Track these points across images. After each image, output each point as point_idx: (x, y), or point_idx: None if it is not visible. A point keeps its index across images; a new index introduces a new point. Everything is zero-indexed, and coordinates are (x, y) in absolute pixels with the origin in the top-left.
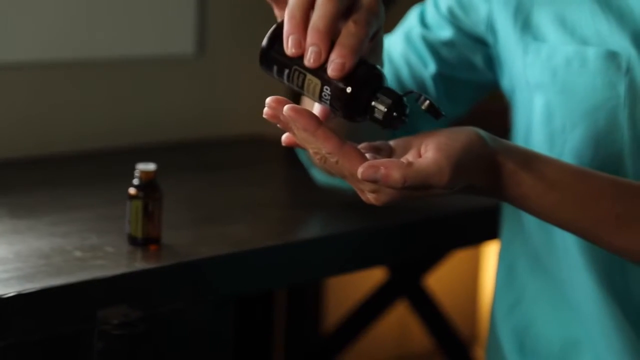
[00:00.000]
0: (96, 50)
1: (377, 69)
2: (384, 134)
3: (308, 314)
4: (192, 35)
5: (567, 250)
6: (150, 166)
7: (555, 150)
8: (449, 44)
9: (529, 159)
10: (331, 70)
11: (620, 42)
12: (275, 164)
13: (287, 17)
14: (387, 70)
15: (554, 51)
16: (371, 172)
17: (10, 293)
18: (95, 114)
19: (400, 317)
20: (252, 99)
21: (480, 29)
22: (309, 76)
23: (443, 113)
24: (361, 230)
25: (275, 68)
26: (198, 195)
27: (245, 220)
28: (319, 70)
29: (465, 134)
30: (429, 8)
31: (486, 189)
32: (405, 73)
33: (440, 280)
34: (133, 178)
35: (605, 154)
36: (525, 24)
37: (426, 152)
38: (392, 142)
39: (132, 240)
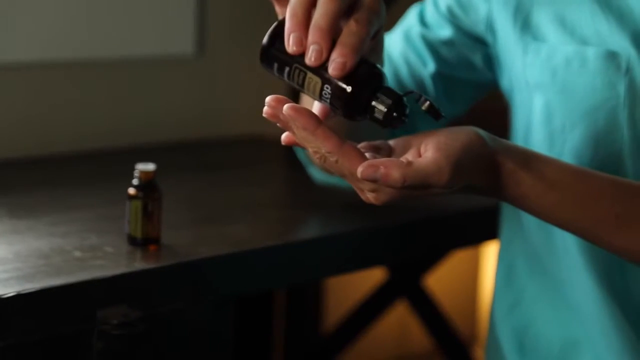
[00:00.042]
0: (96, 50)
1: (377, 68)
2: (384, 134)
3: (308, 314)
4: (192, 35)
5: (567, 250)
6: (150, 166)
7: (555, 150)
8: (448, 43)
9: (528, 159)
10: (332, 69)
11: (620, 42)
12: (275, 164)
13: (289, 14)
14: (386, 69)
15: (553, 51)
16: (371, 172)
17: (9, 293)
18: (95, 114)
19: (400, 317)
20: (251, 99)
21: (480, 28)
22: (309, 74)
23: (443, 114)
24: (361, 230)
25: (275, 66)
26: (198, 195)
27: (245, 220)
28: (320, 69)
29: (464, 133)
30: (429, 7)
31: (486, 188)
32: (404, 72)
33: (440, 281)
34: (133, 178)
35: (605, 153)
36: (525, 24)
37: (426, 152)
38: (391, 142)
39: (132, 241)
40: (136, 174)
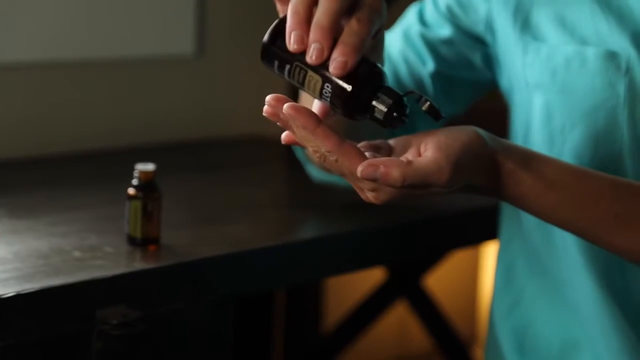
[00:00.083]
0: (96, 50)
1: (378, 67)
2: (383, 133)
3: (308, 314)
4: (192, 36)
5: (567, 249)
6: (149, 166)
7: (555, 150)
8: (447, 42)
9: (528, 159)
10: (333, 68)
11: (620, 42)
12: (275, 164)
13: (291, 12)
14: (385, 68)
15: (553, 51)
16: (370, 171)
17: (9, 293)
18: (95, 114)
19: (399, 317)
20: (251, 99)
21: (479, 28)
22: (310, 73)
23: (443, 114)
24: (361, 230)
25: (276, 63)
26: (198, 196)
27: (245, 220)
28: (321, 68)
29: (465, 133)
30: (428, 6)
31: (485, 188)
32: (403, 71)
33: (439, 281)
34: (132, 178)
35: (604, 153)
36: (524, 24)
37: (426, 151)
38: (391, 141)
39: (131, 241)
40: (136, 174)
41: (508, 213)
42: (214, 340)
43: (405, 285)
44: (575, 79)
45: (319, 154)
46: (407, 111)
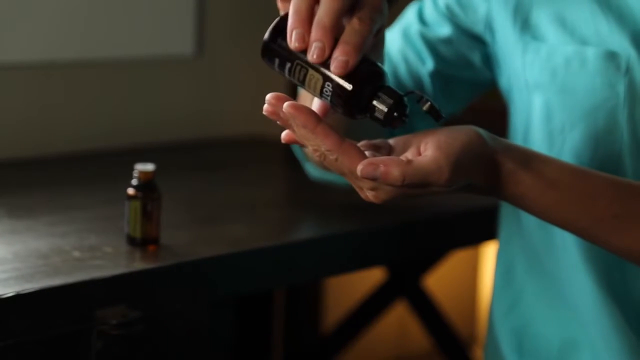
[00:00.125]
0: (95, 51)
1: (379, 67)
2: (382, 133)
3: (307, 314)
4: (191, 36)
5: (566, 249)
6: (149, 166)
7: (555, 149)
8: (446, 41)
9: (528, 158)
10: (334, 67)
11: (620, 43)
12: (274, 164)
13: (292, 10)
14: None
15: (553, 51)
16: (370, 170)
17: (8, 293)
18: (94, 114)
19: (399, 317)
20: (251, 99)
21: (479, 27)
22: (310, 71)
23: (443, 115)
24: (361, 230)
25: (276, 61)
26: (197, 196)
27: (244, 220)
28: (322, 66)
29: (464, 132)
30: (428, 5)
31: (485, 187)
32: (402, 69)
33: (439, 281)
34: (132, 178)
35: (604, 153)
36: (524, 24)
37: (425, 151)
38: (391, 140)
39: (131, 241)
40: (135, 174)
41: (507, 213)
42: (214, 340)
43: (405, 285)
44: (575, 79)
45: (319, 152)
46: (408, 111)
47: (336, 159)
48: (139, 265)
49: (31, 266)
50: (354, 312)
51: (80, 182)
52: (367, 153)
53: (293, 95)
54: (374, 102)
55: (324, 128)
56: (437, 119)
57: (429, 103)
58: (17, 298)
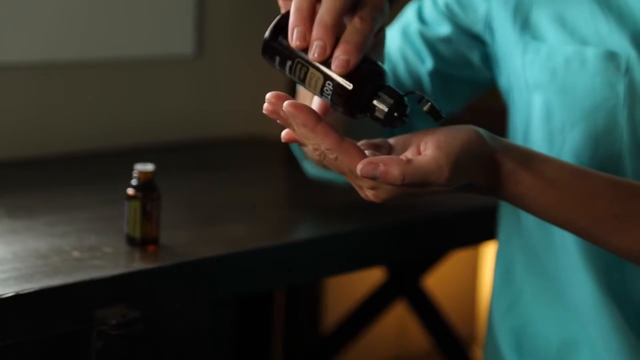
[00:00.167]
0: (95, 51)
1: (379, 66)
2: (382, 132)
3: (307, 314)
4: (191, 36)
5: (566, 248)
6: (149, 166)
7: (554, 149)
8: (446, 40)
9: (528, 158)
10: (335, 66)
11: (620, 43)
12: (274, 164)
13: (294, 8)
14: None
15: (553, 51)
16: (370, 169)
17: (8, 293)
18: (94, 114)
19: (399, 317)
20: (251, 99)
21: (478, 27)
22: (311, 70)
23: (444, 115)
24: (361, 230)
25: (277, 59)
26: (197, 196)
27: (244, 220)
28: (323, 65)
29: (464, 132)
30: (427, 4)
31: (485, 187)
32: (401, 68)
33: (439, 281)
34: (132, 178)
35: (604, 153)
36: (524, 24)
37: (425, 150)
38: (391, 140)
39: (130, 241)
40: (135, 174)
41: (507, 213)
42: (214, 340)
43: (405, 285)
44: (575, 79)
45: (319, 151)
46: (408, 111)
47: (336, 158)
48: (138, 265)
49: (31, 266)
50: (353, 312)
51: (80, 182)
52: (367, 152)
53: (293, 94)
54: (375, 102)
55: (323, 127)
56: (437, 119)
57: (430, 103)
58: (17, 298)
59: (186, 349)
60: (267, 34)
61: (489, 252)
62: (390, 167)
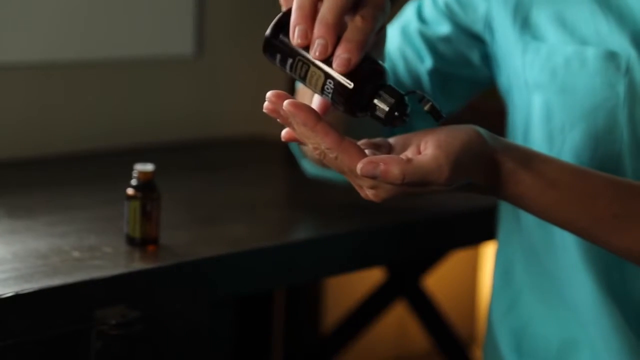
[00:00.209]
0: (95, 51)
1: (380, 65)
2: (381, 132)
3: (307, 314)
4: (191, 36)
5: (566, 249)
6: (148, 167)
7: (554, 149)
8: (445, 39)
9: (528, 158)
10: (337, 65)
11: (620, 43)
12: (274, 164)
13: (295, 6)
14: None
15: (553, 51)
16: (370, 168)
17: (8, 293)
18: (94, 114)
19: (399, 317)
20: (251, 99)
21: (478, 26)
22: (312, 68)
23: (444, 115)
24: (361, 230)
25: (278, 57)
26: (197, 196)
27: (244, 220)
28: (324, 63)
29: (464, 131)
30: (427, 3)
31: (485, 187)
32: (400, 67)
33: (439, 281)
34: (131, 178)
35: (604, 153)
36: (524, 24)
37: (425, 149)
38: (391, 139)
39: (130, 241)
40: (135, 174)
41: (506, 212)
42: (214, 340)
43: (405, 285)
44: (575, 79)
45: (319, 151)
46: (408, 110)
47: (336, 157)
48: (138, 265)
49: (30, 266)
50: (353, 312)
51: (80, 182)
52: (367, 152)
53: (293, 94)
54: (375, 101)
55: (323, 126)
56: (437, 119)
57: (430, 103)
58: (17, 298)
59: (186, 349)
60: (268, 31)
61: (489, 252)
62: (391, 166)
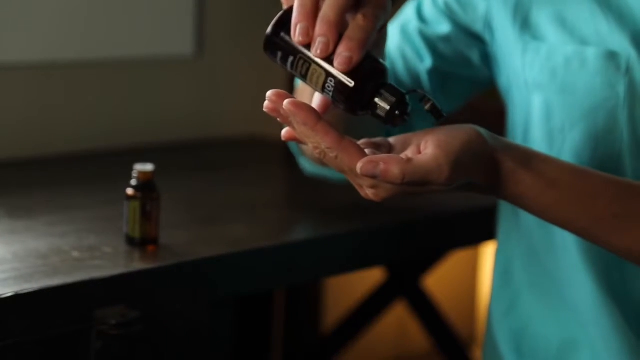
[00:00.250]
0: (95, 51)
1: (381, 64)
2: (380, 131)
3: (307, 314)
4: (191, 36)
5: (567, 249)
6: (148, 167)
7: (554, 149)
8: (445, 39)
9: (528, 158)
10: (338, 63)
11: (620, 42)
12: (274, 164)
13: (297, 4)
14: None
15: (553, 51)
16: (370, 168)
17: (7, 293)
18: (94, 114)
19: (398, 317)
20: (251, 99)
21: (478, 26)
22: (313, 66)
23: (445, 114)
24: (361, 230)
25: (279, 54)
26: (197, 196)
27: (244, 220)
28: (325, 61)
29: (465, 131)
30: (427, 2)
31: (485, 187)
32: (400, 66)
33: (439, 281)
34: (131, 178)
35: (604, 153)
36: (524, 23)
37: (426, 149)
38: (391, 139)
39: (130, 241)
40: (134, 174)
41: (506, 212)
42: (214, 340)
43: (405, 285)
44: (575, 79)
45: (319, 150)
46: (409, 109)
47: (336, 157)
48: (138, 265)
49: (30, 266)
50: (353, 312)
51: (80, 182)
52: (367, 151)
53: (294, 92)
54: (376, 100)
55: (324, 126)
56: (438, 118)
57: (431, 102)
58: (17, 298)
59: (186, 349)
60: (269, 29)
61: (488, 252)
62: (391, 165)
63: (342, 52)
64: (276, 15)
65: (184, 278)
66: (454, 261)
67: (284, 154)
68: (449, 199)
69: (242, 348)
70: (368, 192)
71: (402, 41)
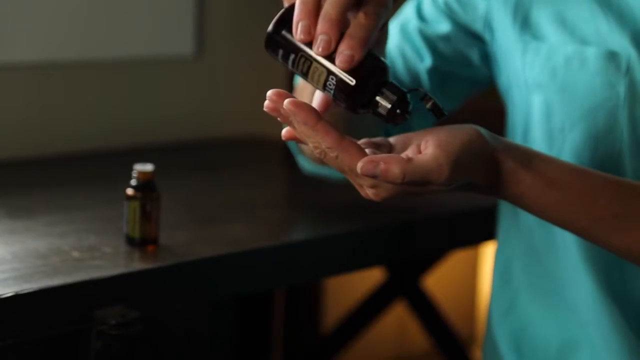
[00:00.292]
0: (95, 51)
1: (383, 62)
2: (379, 131)
3: (307, 314)
4: (191, 36)
5: (567, 249)
6: (148, 167)
7: (555, 149)
8: (445, 38)
9: (528, 158)
10: (339, 61)
11: (620, 42)
12: (274, 164)
13: (299, 2)
14: None
15: (553, 51)
16: (370, 167)
17: (7, 293)
18: (94, 114)
19: (398, 317)
20: (251, 99)
21: (478, 25)
22: (314, 64)
23: (446, 113)
24: (361, 230)
25: (280, 52)
26: (197, 196)
27: (244, 220)
28: (326, 59)
29: (465, 131)
30: (426, 1)
31: (485, 186)
32: (400, 65)
33: (438, 281)
34: (131, 179)
35: (604, 153)
36: (524, 23)
37: (426, 149)
38: (391, 139)
39: (130, 241)
40: (134, 174)
41: (506, 212)
42: (213, 340)
43: (405, 285)
44: (575, 79)
45: (319, 150)
46: (410, 108)
47: (336, 157)
48: (138, 265)
49: (30, 266)
50: (353, 312)
51: (80, 182)
52: (367, 151)
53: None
54: (377, 98)
55: (324, 125)
56: (439, 117)
57: (432, 101)
58: (16, 298)
59: (186, 349)
60: (270, 27)
61: (488, 252)
62: (391, 165)
63: (344, 50)
64: (276, 14)
65: (184, 278)
66: (454, 261)
67: (284, 154)
68: (449, 199)
69: (242, 348)
70: (368, 192)
71: (401, 40)
